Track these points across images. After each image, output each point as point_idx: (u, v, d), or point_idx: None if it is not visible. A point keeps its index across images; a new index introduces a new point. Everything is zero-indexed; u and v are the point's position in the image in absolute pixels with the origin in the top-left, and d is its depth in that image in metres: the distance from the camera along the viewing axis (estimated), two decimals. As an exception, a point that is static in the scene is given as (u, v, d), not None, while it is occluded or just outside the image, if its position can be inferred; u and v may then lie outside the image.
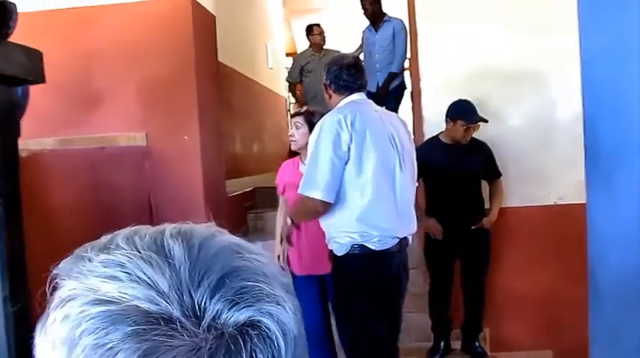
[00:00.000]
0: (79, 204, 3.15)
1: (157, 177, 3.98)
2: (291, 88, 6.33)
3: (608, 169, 1.53)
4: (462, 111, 3.34)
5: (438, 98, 3.67)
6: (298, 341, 0.44)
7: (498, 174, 3.61)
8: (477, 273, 3.59)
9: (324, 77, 2.52)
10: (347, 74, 2.46)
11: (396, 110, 4.59)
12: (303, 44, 11.13)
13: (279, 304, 0.43)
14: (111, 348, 0.39)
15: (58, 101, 3.59)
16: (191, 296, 0.41)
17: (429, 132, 3.77)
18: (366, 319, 2.33)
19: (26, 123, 1.98)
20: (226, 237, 0.47)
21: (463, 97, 3.46)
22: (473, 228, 3.48)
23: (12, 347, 1.65)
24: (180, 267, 0.42)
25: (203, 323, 0.40)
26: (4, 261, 1.71)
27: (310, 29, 5.96)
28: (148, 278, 0.41)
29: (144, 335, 0.39)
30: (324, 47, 5.90)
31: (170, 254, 0.43)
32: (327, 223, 2.39)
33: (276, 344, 0.41)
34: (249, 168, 6.28)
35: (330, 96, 2.52)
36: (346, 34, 7.45)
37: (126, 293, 0.40)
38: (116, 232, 0.47)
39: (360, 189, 2.27)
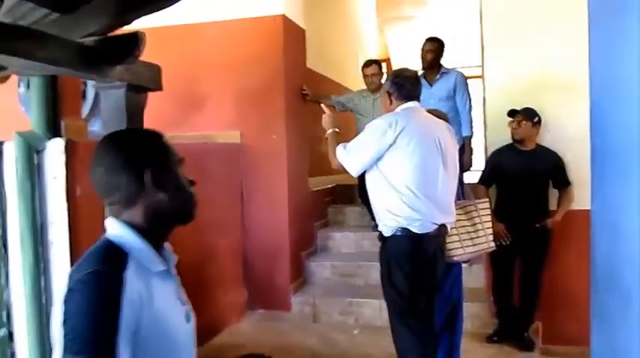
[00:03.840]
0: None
1: (248, 170, 4.60)
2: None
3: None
4: (511, 111, 3.85)
5: (500, 106, 3.97)
6: None
7: (567, 183, 3.91)
8: (534, 269, 3.88)
9: (388, 86, 2.89)
10: (409, 85, 2.85)
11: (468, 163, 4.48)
12: (396, 50, 11.50)
13: None
14: None
15: (168, 104, 4.19)
16: None
17: (492, 138, 4.11)
18: (407, 291, 2.70)
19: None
20: None
21: (523, 106, 3.80)
22: (537, 225, 3.81)
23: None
24: None
25: None
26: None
27: (367, 64, 5.11)
28: None
29: None
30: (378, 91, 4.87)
31: None
32: (378, 210, 2.81)
33: None
34: (332, 168, 6.68)
35: (390, 102, 2.89)
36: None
37: None
38: None
39: (406, 181, 2.65)
